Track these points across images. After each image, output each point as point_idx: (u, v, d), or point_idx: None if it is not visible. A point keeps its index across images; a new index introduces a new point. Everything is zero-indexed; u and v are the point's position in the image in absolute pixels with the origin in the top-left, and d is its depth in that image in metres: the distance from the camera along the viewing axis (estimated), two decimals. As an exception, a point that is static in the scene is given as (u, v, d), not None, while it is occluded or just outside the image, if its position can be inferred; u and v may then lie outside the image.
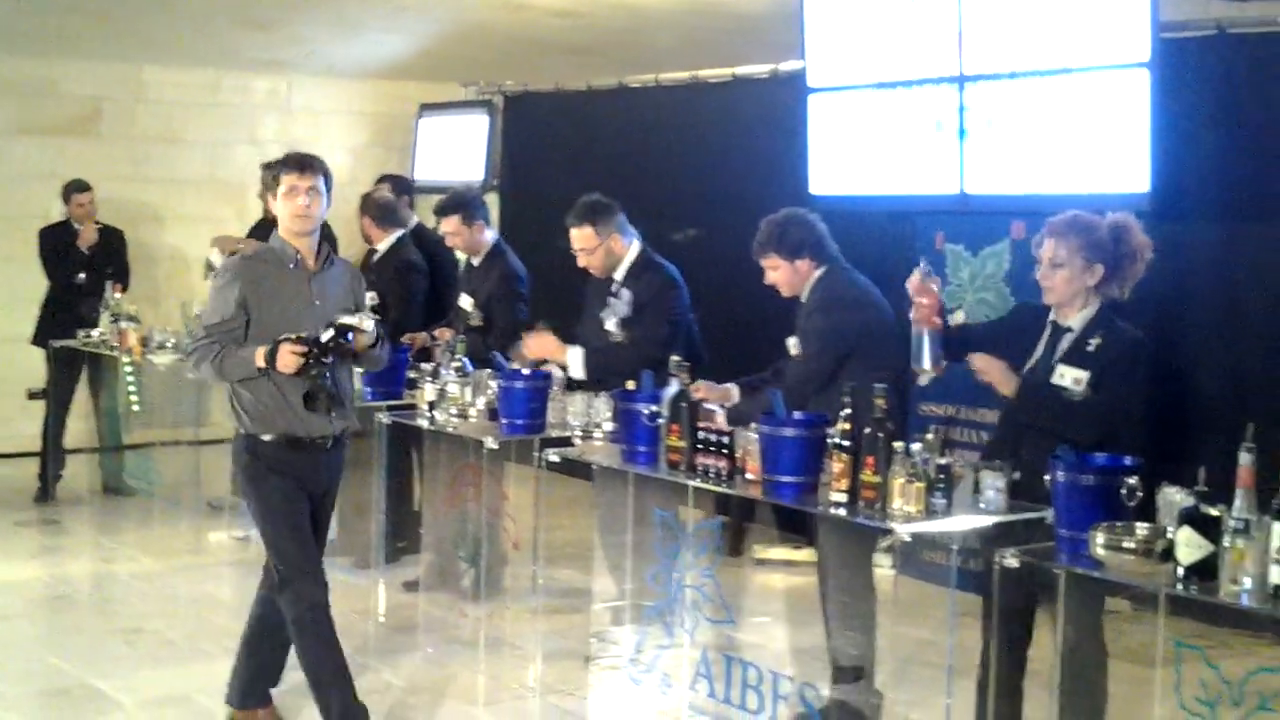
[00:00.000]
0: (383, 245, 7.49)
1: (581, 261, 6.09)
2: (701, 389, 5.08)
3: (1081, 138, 6.04)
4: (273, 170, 4.74)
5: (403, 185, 8.72)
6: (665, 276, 6.05)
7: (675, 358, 4.83)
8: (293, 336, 4.57)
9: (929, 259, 4.63)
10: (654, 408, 4.79)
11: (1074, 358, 4.36)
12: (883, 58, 6.83)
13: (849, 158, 7.11)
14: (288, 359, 4.55)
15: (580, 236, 6.04)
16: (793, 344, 5.17)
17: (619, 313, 5.99)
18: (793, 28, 7.17)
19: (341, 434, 4.81)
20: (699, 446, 4.64)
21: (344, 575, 6.55)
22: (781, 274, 5.14)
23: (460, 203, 6.95)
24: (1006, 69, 6.28)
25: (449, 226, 6.92)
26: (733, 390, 5.22)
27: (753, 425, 4.56)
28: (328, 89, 11.09)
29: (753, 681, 4.70)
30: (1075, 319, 4.41)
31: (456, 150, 10.59)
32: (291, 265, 4.71)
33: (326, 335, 4.61)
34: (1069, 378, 4.33)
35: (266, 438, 4.69)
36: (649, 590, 5.26)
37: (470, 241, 6.92)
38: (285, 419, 4.68)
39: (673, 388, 4.72)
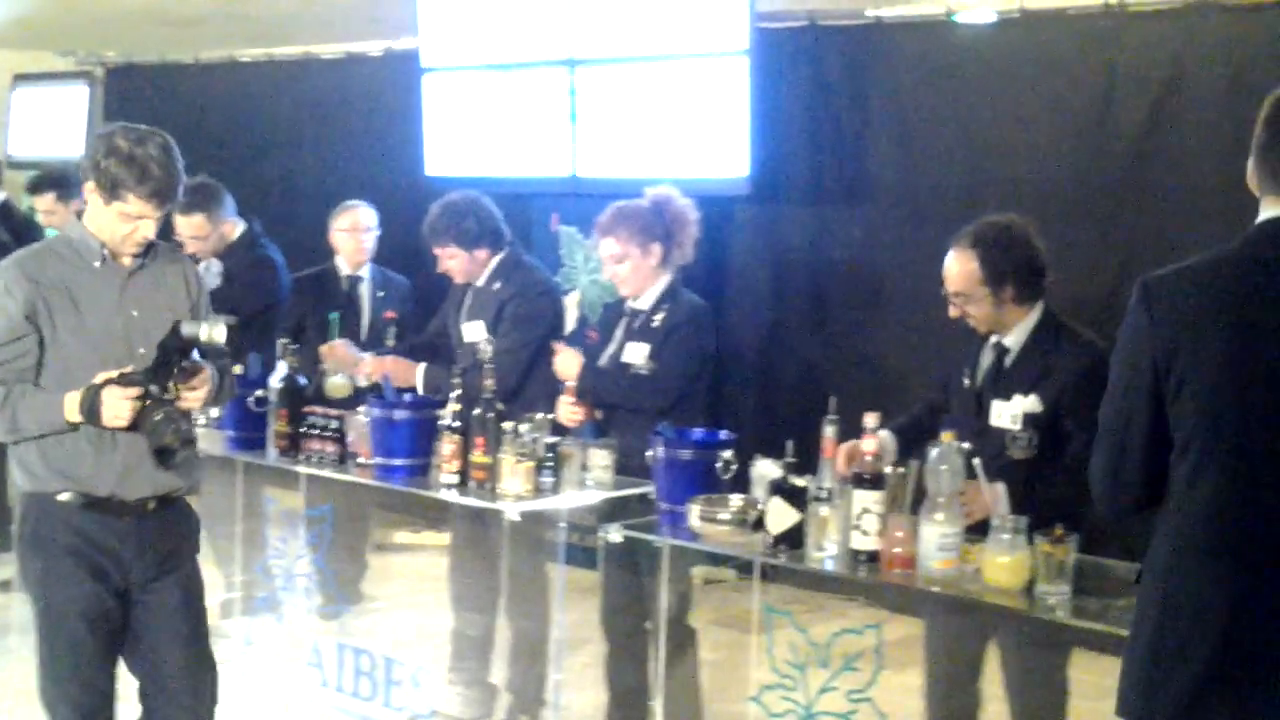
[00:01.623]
0: (-26, 223, 7.07)
1: (192, 249, 5.88)
2: (374, 364, 4.99)
3: (687, 123, 6.23)
4: (103, 175, 3.39)
5: None
6: (262, 255, 5.93)
7: (283, 340, 4.72)
8: (115, 376, 3.34)
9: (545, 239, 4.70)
10: (260, 392, 4.67)
11: (640, 334, 4.50)
12: (496, 39, 6.86)
13: (464, 139, 7.10)
14: (119, 408, 3.31)
15: (191, 224, 5.84)
16: (477, 330, 5.00)
17: (209, 285, 5.84)
18: (407, 6, 7.11)
19: (172, 494, 3.56)
20: (308, 431, 4.55)
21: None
22: (459, 263, 5.04)
23: (56, 179, 6.62)
24: (615, 54, 6.41)
25: (43, 205, 6.59)
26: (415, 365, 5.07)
27: (361, 409, 4.51)
28: (-92, 56, 10.30)
29: (366, 669, 4.66)
30: (645, 299, 4.54)
31: (54, 124, 10.02)
32: (97, 262, 3.47)
33: (161, 359, 3.40)
34: (634, 353, 4.47)
35: (63, 498, 3.44)
36: (260, 581, 5.14)
37: (66, 220, 6.57)
38: (101, 473, 3.44)
39: (280, 371, 4.62)
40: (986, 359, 3.84)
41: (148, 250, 3.54)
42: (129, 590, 3.52)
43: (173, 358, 3.42)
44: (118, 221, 3.43)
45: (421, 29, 7.13)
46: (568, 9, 6.52)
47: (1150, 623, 2.51)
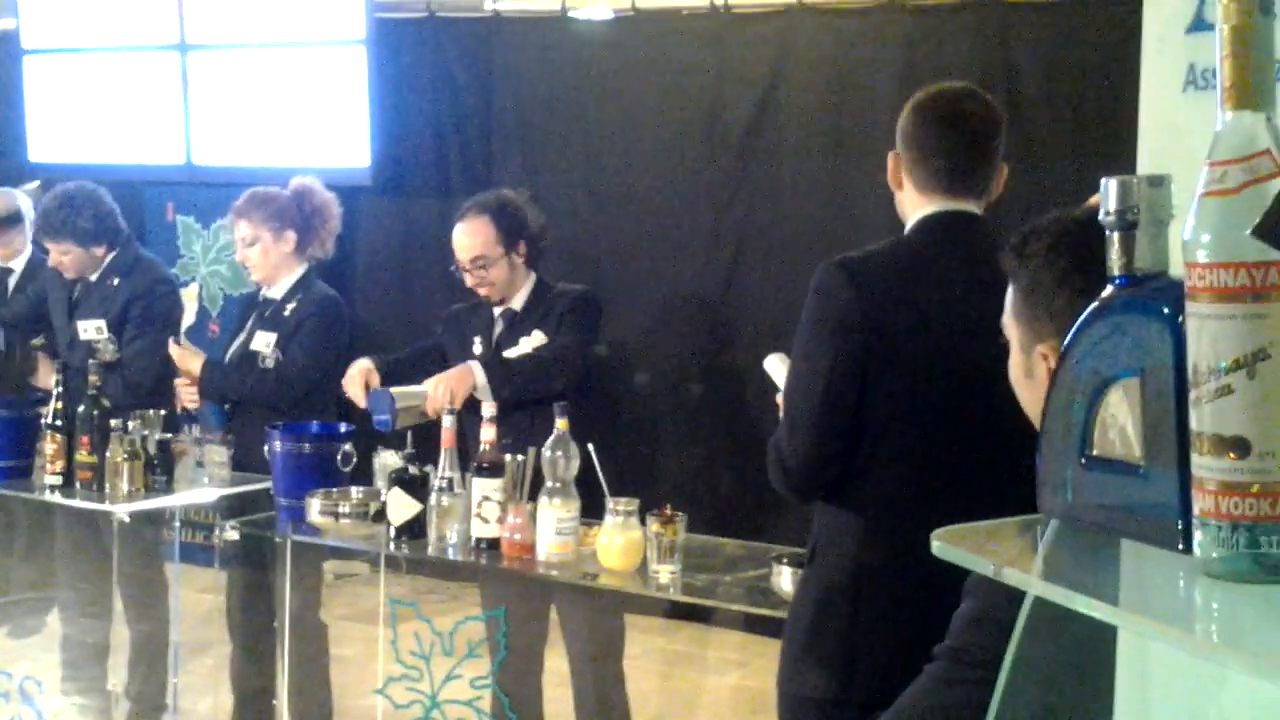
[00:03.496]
0: None
1: None
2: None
3: (306, 111, 6.14)
4: None
5: None
6: None
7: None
8: None
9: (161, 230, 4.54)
10: None
11: (270, 323, 4.44)
12: (103, 21, 6.58)
13: (71, 124, 6.79)
14: None
15: None
16: (92, 328, 4.77)
17: None
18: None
19: None
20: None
21: None
22: (73, 258, 4.78)
23: None
24: (229, 39, 6.25)
25: None
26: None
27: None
28: None
29: (-31, 682, 4.41)
30: (278, 288, 4.49)
31: None
32: None
33: None
34: (261, 342, 4.41)
35: None
36: None
37: None
38: None
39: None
40: (499, 327, 4.12)
41: None
42: None
43: None
44: None
45: (21, 9, 6.77)
46: (179, -8, 6.32)
47: (842, 600, 2.53)
